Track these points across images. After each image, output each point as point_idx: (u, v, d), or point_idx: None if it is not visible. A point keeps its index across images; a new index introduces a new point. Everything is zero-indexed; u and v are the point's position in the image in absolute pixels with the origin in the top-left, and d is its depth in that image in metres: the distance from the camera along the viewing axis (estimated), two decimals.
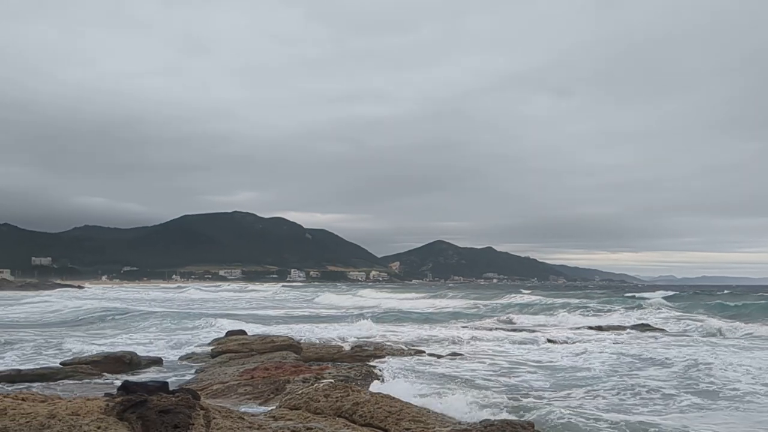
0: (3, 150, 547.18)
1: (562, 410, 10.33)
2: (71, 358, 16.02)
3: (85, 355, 16.53)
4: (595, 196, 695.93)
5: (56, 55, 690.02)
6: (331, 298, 65.79)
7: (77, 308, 38.88)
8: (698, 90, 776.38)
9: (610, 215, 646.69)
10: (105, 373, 14.66)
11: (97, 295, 74.19)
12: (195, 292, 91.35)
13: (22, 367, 14.88)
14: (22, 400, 6.75)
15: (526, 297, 58.37)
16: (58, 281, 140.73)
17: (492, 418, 8.94)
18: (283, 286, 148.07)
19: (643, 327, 28.28)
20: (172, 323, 28.01)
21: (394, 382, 12.03)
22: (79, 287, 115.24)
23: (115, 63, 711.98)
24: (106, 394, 7.23)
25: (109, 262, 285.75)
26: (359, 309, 47.30)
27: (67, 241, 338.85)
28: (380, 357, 16.79)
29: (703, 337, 24.93)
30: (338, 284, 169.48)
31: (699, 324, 29.41)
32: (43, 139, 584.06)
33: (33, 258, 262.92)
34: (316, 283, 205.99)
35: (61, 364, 15.13)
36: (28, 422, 6.16)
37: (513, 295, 62.71)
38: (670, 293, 60.16)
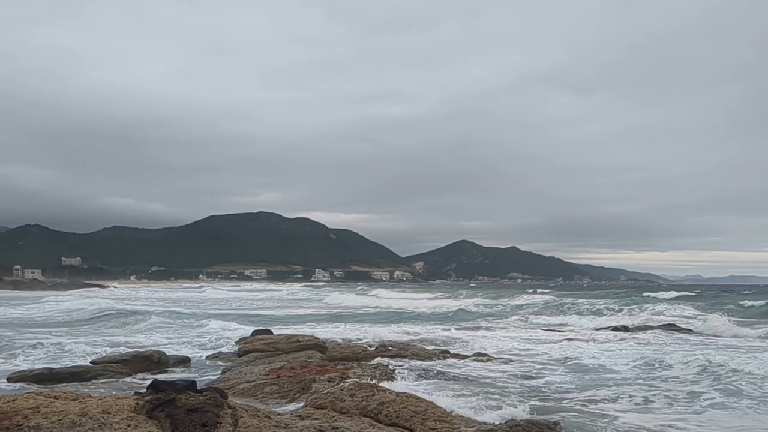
0: (34, 152, 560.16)
1: (586, 411, 10.26)
2: (101, 357, 16.29)
3: (114, 354, 16.80)
4: (619, 194, 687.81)
5: (81, 57, 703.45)
6: (340, 298, 65.56)
7: (80, 309, 39.42)
8: (722, 86, 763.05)
9: (634, 214, 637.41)
10: (133, 372, 14.87)
11: (114, 294, 76.08)
12: (213, 291, 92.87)
13: (54, 366, 15.17)
14: (54, 398, 6.89)
15: (542, 296, 57.78)
16: (88, 281, 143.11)
17: (517, 418, 8.91)
18: (304, 285, 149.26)
19: (668, 327, 27.84)
20: (161, 324, 28.13)
21: (419, 383, 12.04)
22: (100, 287, 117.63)
23: (138, 65, 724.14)
24: (136, 393, 7.35)
25: (137, 262, 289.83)
26: (365, 308, 47.37)
27: (96, 242, 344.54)
28: (405, 357, 16.79)
29: (718, 337, 24.38)
30: (359, 284, 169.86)
31: (714, 324, 28.69)
32: (71, 141, 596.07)
33: (63, 258, 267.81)
34: (338, 283, 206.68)
35: (91, 362, 15.39)
36: (60, 420, 6.28)
37: (529, 295, 62.15)
38: (685, 293, 58.68)
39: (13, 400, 6.70)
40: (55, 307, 41.25)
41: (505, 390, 12.41)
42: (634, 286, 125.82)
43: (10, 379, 13.55)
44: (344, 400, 8.43)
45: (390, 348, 18.13)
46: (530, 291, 73.77)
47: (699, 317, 32.97)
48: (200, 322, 28.80)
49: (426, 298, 68.21)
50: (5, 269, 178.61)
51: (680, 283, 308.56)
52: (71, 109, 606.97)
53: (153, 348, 17.84)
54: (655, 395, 11.81)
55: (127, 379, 14.20)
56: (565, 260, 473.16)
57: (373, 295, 74.06)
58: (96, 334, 24.88)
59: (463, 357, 17.37)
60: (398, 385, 11.01)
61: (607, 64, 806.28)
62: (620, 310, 38.51)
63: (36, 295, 71.03)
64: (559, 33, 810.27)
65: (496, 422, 8.63)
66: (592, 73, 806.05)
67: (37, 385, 12.68)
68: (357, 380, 10.99)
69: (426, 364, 15.32)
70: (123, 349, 17.87)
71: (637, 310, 38.57)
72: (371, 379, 11.34)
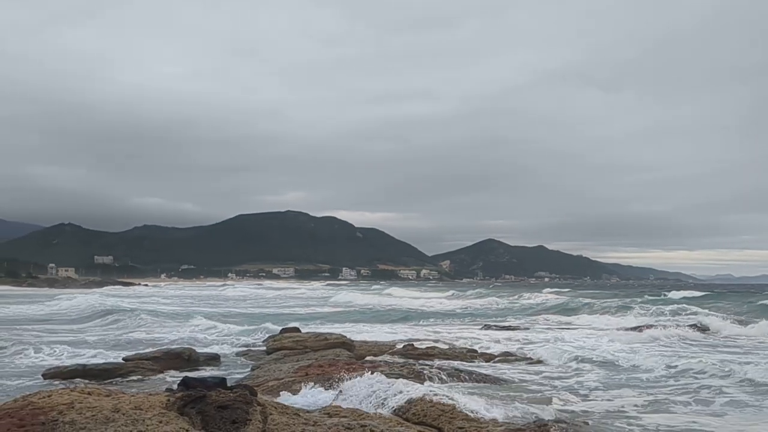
0: (67, 153, 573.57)
1: (613, 411, 10.15)
2: (133, 353, 16.57)
3: (146, 351, 17.08)
4: (647, 192, 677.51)
5: (110, 59, 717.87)
6: (348, 297, 65.31)
7: (75, 306, 40.26)
8: (751, 83, 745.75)
9: (662, 212, 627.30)
10: (164, 369, 15.08)
11: (136, 292, 78.90)
12: (232, 290, 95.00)
13: (87, 362, 15.47)
14: (88, 394, 7.02)
15: (557, 296, 57.30)
16: (120, 279, 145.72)
17: (545, 418, 8.83)
18: (326, 284, 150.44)
19: (694, 326, 27.22)
20: (149, 323, 28.34)
21: (446, 382, 12.00)
22: (130, 285, 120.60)
23: (163, 65, 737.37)
24: (167, 390, 7.46)
25: (168, 261, 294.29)
26: (368, 307, 47.24)
27: (128, 241, 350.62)
28: (432, 356, 16.74)
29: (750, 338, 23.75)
30: (381, 282, 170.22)
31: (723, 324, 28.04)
32: (102, 141, 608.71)
33: (96, 257, 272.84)
34: (362, 282, 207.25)
35: (123, 359, 15.66)
36: (93, 416, 6.40)
37: (544, 294, 61.54)
38: (698, 293, 57.25)
39: (49, 396, 6.84)
40: (53, 306, 41.68)
41: (534, 390, 12.33)
42: (663, 285, 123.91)
43: (45, 376, 13.84)
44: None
45: (417, 347, 18.11)
46: (548, 290, 73.03)
47: (728, 318, 32.22)
48: (188, 320, 28.75)
49: (443, 297, 67.10)
50: (40, 267, 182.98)
51: (710, 282, 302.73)
52: (101, 111, 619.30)
53: (184, 345, 18.11)
54: (682, 396, 11.63)
55: (158, 376, 14.41)
56: (593, 259, 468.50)
57: (387, 294, 73.96)
58: (78, 332, 25.62)
59: (491, 357, 17.27)
60: (426, 385, 10.98)
61: (631, 61, 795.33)
62: (645, 309, 37.60)
63: (51, 293, 72.33)
64: (582, 29, 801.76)
65: (524, 422, 8.57)
66: (617, 69, 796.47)
67: (70, 381, 12.96)
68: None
69: (454, 363, 15.26)
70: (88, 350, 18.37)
71: (662, 309, 37.68)
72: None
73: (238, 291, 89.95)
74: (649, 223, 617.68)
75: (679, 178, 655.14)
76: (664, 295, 57.09)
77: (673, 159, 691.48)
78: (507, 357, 17.18)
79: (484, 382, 12.67)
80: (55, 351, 18.08)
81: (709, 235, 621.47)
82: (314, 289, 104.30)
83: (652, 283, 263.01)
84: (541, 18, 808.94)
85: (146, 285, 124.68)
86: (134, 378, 14.15)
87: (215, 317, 31.28)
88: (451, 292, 77.84)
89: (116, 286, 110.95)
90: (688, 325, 27.30)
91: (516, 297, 57.06)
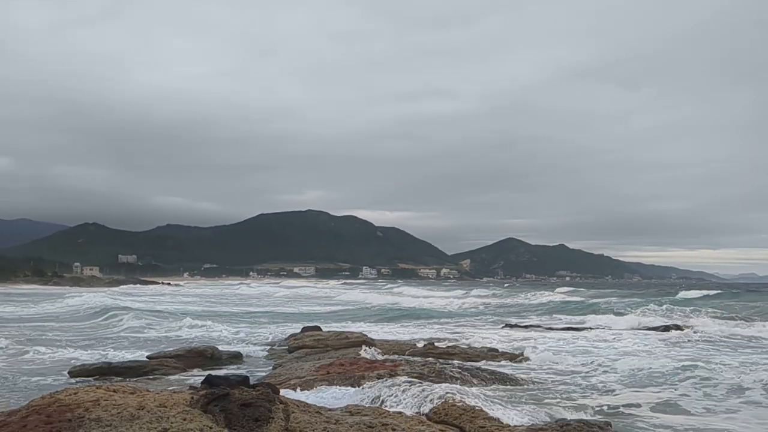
0: (90, 153, 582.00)
1: (634, 411, 10.07)
2: (157, 351, 16.76)
3: (170, 349, 17.28)
4: (668, 190, 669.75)
5: (130, 59, 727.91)
6: (354, 296, 64.88)
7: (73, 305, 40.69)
8: None
9: (684, 210, 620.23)
10: (188, 367, 15.23)
11: (153, 291, 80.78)
12: (246, 288, 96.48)
13: (112, 360, 15.70)
14: (114, 391, 7.12)
15: (570, 295, 56.78)
16: (143, 278, 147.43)
17: (567, 417, 8.78)
18: (343, 283, 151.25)
19: (712, 325, 26.81)
20: (136, 323, 28.27)
21: (468, 381, 11.97)
22: (144, 283, 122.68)
23: (184, 65, 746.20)
24: (191, 387, 7.54)
25: (190, 260, 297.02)
26: (372, 306, 47.16)
27: (151, 240, 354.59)
28: (452, 355, 16.71)
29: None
30: (398, 281, 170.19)
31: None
32: (123, 141, 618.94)
33: (119, 256, 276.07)
34: (380, 281, 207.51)
35: (147, 357, 15.85)
36: (119, 413, 6.49)
37: (558, 293, 60.94)
38: (711, 292, 56.27)
39: (75, 393, 6.96)
40: (51, 306, 42.10)
41: (554, 389, 12.26)
42: (684, 285, 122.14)
43: (71, 373, 14.06)
44: (393, 397, 8.46)
45: (438, 346, 18.08)
46: (561, 289, 72.55)
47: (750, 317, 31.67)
48: (177, 320, 28.60)
49: (454, 296, 66.57)
50: (66, 266, 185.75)
51: (734, 281, 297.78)
52: (122, 111, 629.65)
53: (207, 344, 18.28)
54: (700, 396, 11.49)
55: (182, 374, 14.57)
56: (615, 258, 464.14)
57: (397, 293, 73.89)
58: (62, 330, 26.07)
59: (512, 356, 17.18)
60: (447, 384, 10.97)
61: (651, 57, 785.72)
62: (662, 309, 36.91)
63: (64, 291, 73.36)
64: (601, 26, 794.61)
65: (547, 421, 8.53)
66: (636, 66, 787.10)
67: (95, 379, 13.16)
68: (406, 377, 11.02)
69: (475, 363, 15.21)
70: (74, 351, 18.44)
71: (677, 308, 37.06)
72: (420, 377, 11.34)
73: (252, 290, 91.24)
74: (671, 222, 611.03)
75: (700, 175, 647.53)
76: (677, 293, 56.43)
77: (694, 156, 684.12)
78: (526, 356, 17.08)
79: (505, 382, 12.61)
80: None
81: (732, 234, 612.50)
82: (324, 288, 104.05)
83: (674, 282, 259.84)
84: (560, 15, 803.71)
85: (168, 284, 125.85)
86: (158, 375, 14.31)
87: (209, 317, 31.33)
88: (463, 291, 77.48)
89: (135, 285, 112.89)
90: (705, 325, 27.01)
91: (530, 295, 56.79)
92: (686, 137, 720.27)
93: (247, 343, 20.93)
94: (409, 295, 69.69)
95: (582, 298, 51.99)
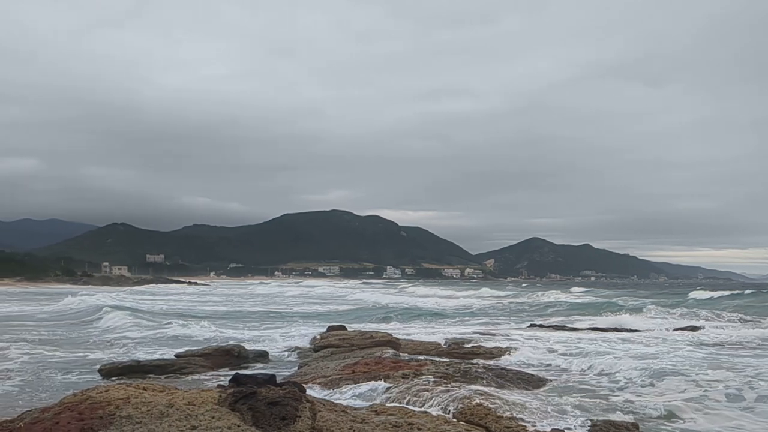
0: (117, 154, 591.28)
1: (661, 413, 9.95)
2: (184, 350, 16.97)
3: (197, 348, 17.48)
4: (695, 189, 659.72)
5: (155, 60, 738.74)
6: (366, 296, 64.42)
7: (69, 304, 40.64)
8: None
9: (712, 210, 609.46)
10: (215, 366, 15.40)
11: (173, 290, 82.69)
12: (260, 287, 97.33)
13: (141, 358, 15.94)
14: (144, 389, 7.25)
15: (586, 295, 56.08)
16: (170, 277, 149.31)
17: (594, 418, 8.72)
18: (362, 282, 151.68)
19: (738, 327, 26.28)
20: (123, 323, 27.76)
21: (494, 381, 11.92)
22: (168, 282, 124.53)
23: (208, 67, 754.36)
24: (219, 386, 7.64)
25: (217, 259, 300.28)
26: (376, 305, 46.96)
27: (178, 240, 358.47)
28: (477, 355, 16.66)
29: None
30: (420, 280, 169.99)
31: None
32: (150, 142, 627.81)
33: (147, 255, 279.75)
34: (402, 280, 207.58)
35: (175, 356, 16.06)
36: (149, 410, 6.61)
37: (574, 292, 60.14)
38: (725, 293, 54.83)
39: (106, 391, 7.10)
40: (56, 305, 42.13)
41: (580, 389, 12.15)
42: (712, 285, 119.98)
43: (101, 371, 14.31)
44: (419, 396, 8.47)
45: (463, 346, 18.03)
46: (576, 289, 71.78)
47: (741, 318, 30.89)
48: (165, 321, 28.12)
49: (470, 295, 65.48)
50: (95, 266, 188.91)
51: (762, 281, 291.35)
52: (148, 112, 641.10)
53: (233, 342, 18.47)
54: (727, 399, 11.29)
55: (210, 373, 14.73)
56: (640, 258, 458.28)
57: (409, 293, 73.47)
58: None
59: (539, 358, 17.05)
60: (472, 384, 10.95)
61: (677, 54, 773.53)
62: (674, 310, 36.14)
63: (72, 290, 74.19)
64: (625, 22, 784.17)
65: (573, 422, 8.47)
66: (662, 63, 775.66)
67: (125, 377, 13.37)
68: (431, 377, 11.02)
69: (501, 363, 15.15)
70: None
71: (688, 309, 36.07)
72: (445, 377, 11.33)
73: (268, 289, 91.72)
74: (698, 221, 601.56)
75: (728, 173, 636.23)
76: (689, 294, 55.54)
77: (721, 154, 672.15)
78: (552, 356, 16.94)
79: (530, 382, 12.54)
80: None
81: (762, 233, 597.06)
82: (340, 287, 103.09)
83: (700, 282, 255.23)
84: (583, 12, 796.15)
85: (195, 283, 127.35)
86: (186, 374, 14.50)
87: (202, 317, 31.17)
88: (483, 290, 76.73)
89: (158, 284, 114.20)
90: (730, 326, 26.52)
91: (543, 294, 56.12)
92: (713, 135, 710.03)
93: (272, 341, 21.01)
94: (420, 294, 69.54)
95: (595, 298, 51.41)
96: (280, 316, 35.20)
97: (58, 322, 29.89)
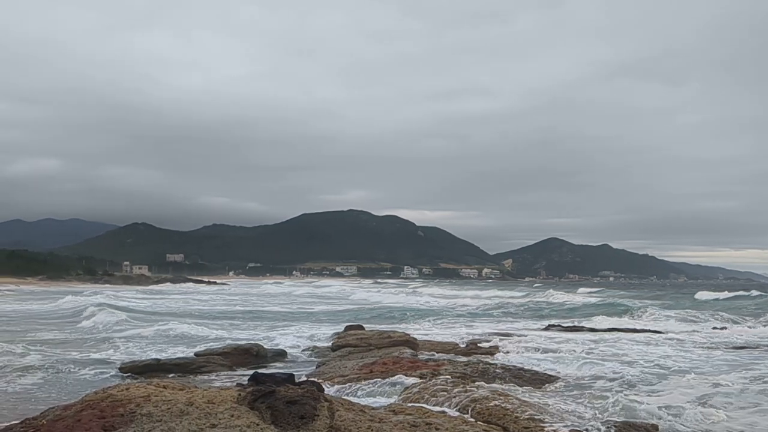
0: (137, 155, 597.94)
1: (680, 414, 9.84)
2: (204, 349, 17.10)
3: (216, 346, 17.60)
4: (714, 189, 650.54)
5: (172, 61, 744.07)
6: (368, 295, 64.07)
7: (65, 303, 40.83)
8: None
9: (732, 209, 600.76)
10: (234, 365, 15.50)
11: (193, 289, 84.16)
12: (270, 287, 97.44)
13: (161, 357, 16.08)
14: (164, 387, 7.32)
15: (595, 296, 55.47)
16: (190, 277, 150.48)
17: (613, 419, 8.64)
18: (375, 281, 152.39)
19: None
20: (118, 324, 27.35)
21: (512, 381, 11.88)
22: (186, 281, 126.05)
23: (225, 67, 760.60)
24: (238, 385, 7.69)
25: (235, 259, 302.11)
26: (379, 305, 46.66)
27: (197, 239, 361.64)
28: (495, 354, 16.59)
29: None
30: (436, 279, 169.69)
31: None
32: (169, 142, 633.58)
33: (167, 255, 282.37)
34: (417, 280, 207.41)
35: (194, 354, 16.19)
36: (169, 408, 6.67)
37: (581, 294, 59.46)
38: (731, 294, 54.10)
39: (127, 389, 7.19)
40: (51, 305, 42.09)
41: (598, 390, 12.06)
42: (732, 285, 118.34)
43: (121, 369, 14.47)
44: (437, 396, 8.46)
45: (481, 346, 17.98)
46: (583, 290, 71.21)
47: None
48: (160, 322, 27.48)
49: (469, 297, 64.20)
50: (116, 265, 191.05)
51: None
52: (167, 113, 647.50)
53: (252, 341, 18.57)
54: (745, 399, 11.15)
55: (229, 372, 14.83)
56: (660, 258, 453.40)
57: (420, 293, 72.99)
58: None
59: (555, 358, 16.94)
60: (491, 384, 10.91)
61: (696, 52, 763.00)
62: (683, 311, 35.56)
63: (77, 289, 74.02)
64: (642, 20, 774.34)
65: (592, 423, 8.40)
66: (682, 63, 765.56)
67: (144, 376, 13.48)
68: (449, 377, 11.00)
69: (517, 363, 15.07)
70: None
71: (695, 310, 35.48)
72: (463, 377, 11.30)
73: (279, 288, 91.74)
74: (718, 221, 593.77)
75: (748, 173, 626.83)
76: (695, 294, 54.96)
77: (741, 154, 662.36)
78: (569, 357, 16.82)
79: (549, 382, 12.47)
80: None
81: None
82: (355, 287, 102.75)
83: (720, 282, 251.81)
84: (599, 9, 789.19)
85: (214, 282, 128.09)
86: (205, 372, 14.61)
87: (197, 318, 30.98)
88: (497, 290, 76.05)
89: (174, 284, 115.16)
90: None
91: (552, 295, 55.66)
92: (734, 133, 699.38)
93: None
94: (432, 294, 69.07)
95: (603, 298, 50.87)
96: (260, 316, 34.03)
97: (56, 321, 30.04)
